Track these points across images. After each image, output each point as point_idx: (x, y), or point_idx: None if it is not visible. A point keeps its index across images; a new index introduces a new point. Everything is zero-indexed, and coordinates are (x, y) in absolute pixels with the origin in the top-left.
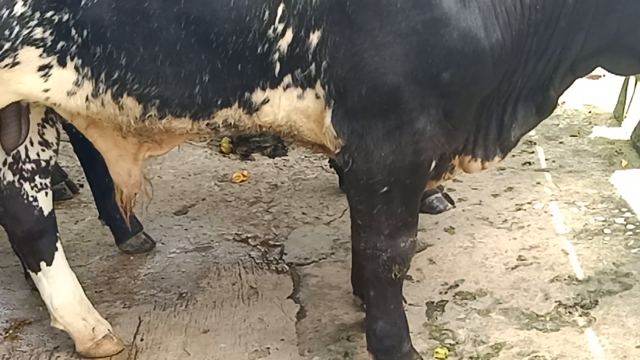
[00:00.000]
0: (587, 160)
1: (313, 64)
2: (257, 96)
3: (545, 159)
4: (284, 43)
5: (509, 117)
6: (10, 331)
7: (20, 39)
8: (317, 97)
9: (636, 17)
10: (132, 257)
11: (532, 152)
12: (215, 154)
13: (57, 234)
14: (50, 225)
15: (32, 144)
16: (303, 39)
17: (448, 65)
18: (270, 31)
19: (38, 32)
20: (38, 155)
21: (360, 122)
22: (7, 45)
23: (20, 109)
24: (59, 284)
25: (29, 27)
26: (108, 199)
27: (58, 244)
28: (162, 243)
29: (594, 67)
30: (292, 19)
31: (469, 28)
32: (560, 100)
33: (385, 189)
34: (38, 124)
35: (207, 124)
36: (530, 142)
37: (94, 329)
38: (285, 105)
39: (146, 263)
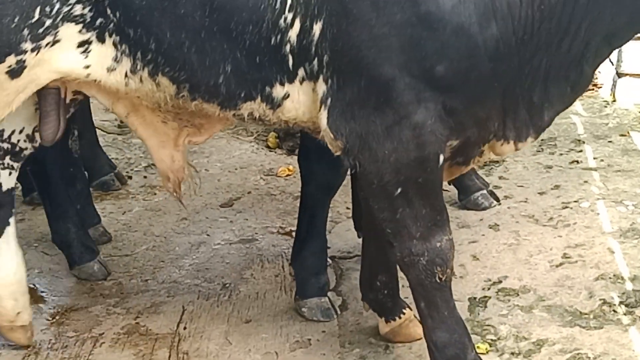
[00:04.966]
0: (637, 159)
1: (316, 58)
2: (278, 91)
3: (594, 158)
4: (293, 34)
5: (538, 97)
6: (57, 317)
7: (61, 16)
8: (315, 92)
9: None
10: (177, 248)
11: (581, 151)
12: (262, 149)
13: (13, 211)
14: (6, 200)
15: (20, 131)
16: (308, 30)
17: (442, 59)
18: (282, 21)
19: (78, 9)
20: (18, 141)
21: (357, 120)
22: (48, 22)
23: (59, 99)
24: (3, 258)
25: (69, 4)
26: (62, 222)
27: (11, 220)
28: (207, 235)
29: (632, 36)
30: (299, 7)
31: (461, 23)
32: (610, 99)
33: (399, 189)
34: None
35: (234, 115)
36: (579, 140)
37: (18, 313)
38: (304, 100)
39: (191, 254)
